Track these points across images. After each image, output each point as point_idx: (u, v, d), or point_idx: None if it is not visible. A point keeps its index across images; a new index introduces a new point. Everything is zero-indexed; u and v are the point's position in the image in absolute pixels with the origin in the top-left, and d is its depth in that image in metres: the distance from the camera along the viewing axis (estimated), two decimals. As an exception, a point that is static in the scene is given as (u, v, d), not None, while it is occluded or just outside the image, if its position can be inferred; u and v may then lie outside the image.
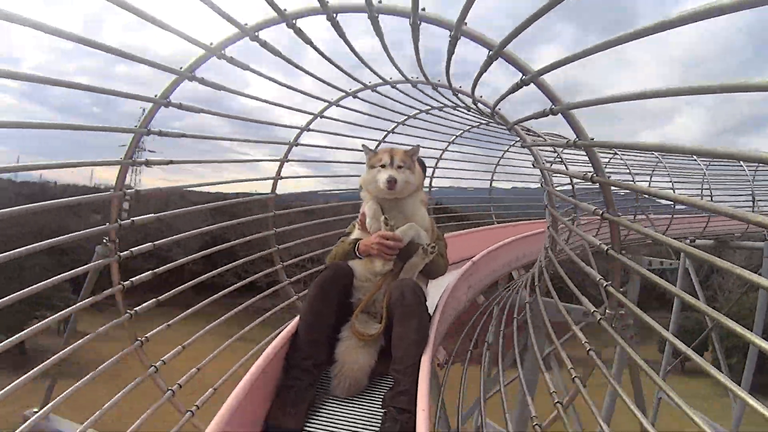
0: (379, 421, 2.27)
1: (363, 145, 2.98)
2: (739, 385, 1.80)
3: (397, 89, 5.24)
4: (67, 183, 37.63)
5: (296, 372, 2.41)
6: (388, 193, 2.77)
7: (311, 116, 5.20)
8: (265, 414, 2.25)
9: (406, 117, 6.54)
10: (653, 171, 10.80)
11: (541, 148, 5.44)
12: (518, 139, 7.59)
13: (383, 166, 2.80)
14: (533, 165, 4.80)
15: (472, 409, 6.39)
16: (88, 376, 3.28)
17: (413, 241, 2.78)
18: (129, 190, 3.47)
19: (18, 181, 34.24)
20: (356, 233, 2.96)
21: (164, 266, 3.97)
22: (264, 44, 3.16)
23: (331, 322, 2.60)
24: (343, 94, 5.01)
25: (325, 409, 2.39)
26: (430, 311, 2.76)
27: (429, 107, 6.30)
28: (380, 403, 2.37)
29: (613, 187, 2.92)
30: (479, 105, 4.51)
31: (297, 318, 2.62)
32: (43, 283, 2.93)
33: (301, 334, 2.51)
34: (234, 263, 5.01)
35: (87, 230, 3.29)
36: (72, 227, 3.40)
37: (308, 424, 2.26)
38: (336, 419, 2.32)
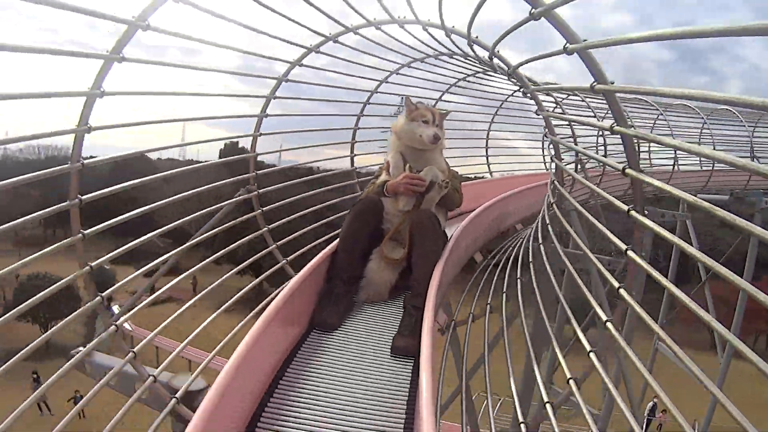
0: (400, 318, 2.93)
1: (405, 97, 3.51)
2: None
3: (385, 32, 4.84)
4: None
5: (336, 282, 3.07)
6: (428, 146, 3.33)
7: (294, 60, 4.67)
8: (310, 314, 2.87)
9: (400, 66, 6.02)
10: (701, 133, 10.42)
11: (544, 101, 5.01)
12: (519, 87, 7.06)
13: (426, 122, 3.31)
14: (536, 113, 4.37)
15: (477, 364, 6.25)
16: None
17: (432, 180, 3.31)
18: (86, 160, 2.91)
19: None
20: (383, 176, 3.50)
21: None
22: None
23: (365, 244, 3.22)
24: (343, 29, 4.62)
25: (359, 312, 3.08)
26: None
27: (424, 55, 5.81)
28: (402, 307, 3.03)
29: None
30: (475, 48, 4.12)
31: (333, 243, 3.27)
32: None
33: (340, 253, 3.17)
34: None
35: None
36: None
37: (345, 323, 2.91)
38: (367, 319, 3.01)
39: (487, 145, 9.96)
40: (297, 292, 2.69)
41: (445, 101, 8.04)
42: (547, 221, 4.41)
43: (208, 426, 1.59)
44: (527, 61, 3.39)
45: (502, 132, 10.33)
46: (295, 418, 2.05)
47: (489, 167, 9.94)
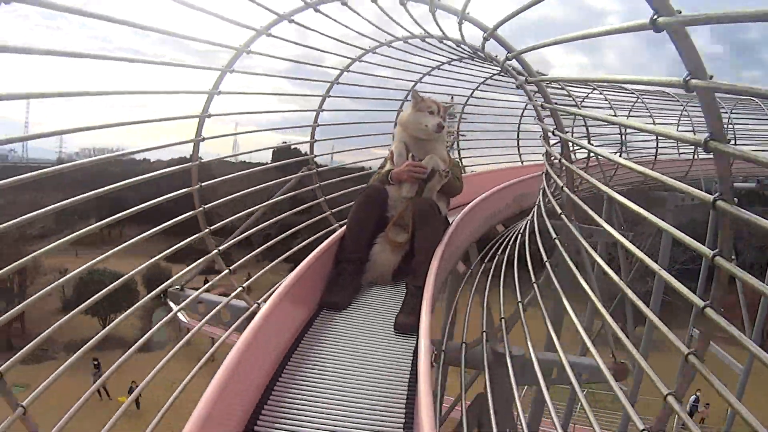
0: (403, 296, 3.10)
1: (414, 90, 3.73)
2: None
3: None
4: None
5: (345, 264, 3.27)
6: (432, 135, 3.55)
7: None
8: (320, 296, 3.04)
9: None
10: (632, 108, 10.43)
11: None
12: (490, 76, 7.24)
13: (431, 113, 3.54)
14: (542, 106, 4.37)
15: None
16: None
17: (433, 169, 3.53)
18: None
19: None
20: (388, 166, 3.72)
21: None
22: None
23: (371, 230, 3.42)
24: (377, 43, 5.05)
25: (365, 293, 3.27)
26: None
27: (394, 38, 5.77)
28: (405, 288, 3.18)
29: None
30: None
31: (341, 229, 3.52)
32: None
33: (347, 238, 3.38)
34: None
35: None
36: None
37: (353, 303, 3.08)
38: (373, 299, 3.19)
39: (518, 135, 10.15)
40: (306, 274, 2.85)
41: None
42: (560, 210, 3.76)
43: (222, 397, 1.67)
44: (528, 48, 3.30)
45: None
46: (305, 391, 2.16)
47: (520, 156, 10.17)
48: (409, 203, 3.47)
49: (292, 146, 15.52)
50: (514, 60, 3.30)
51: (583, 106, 9.12)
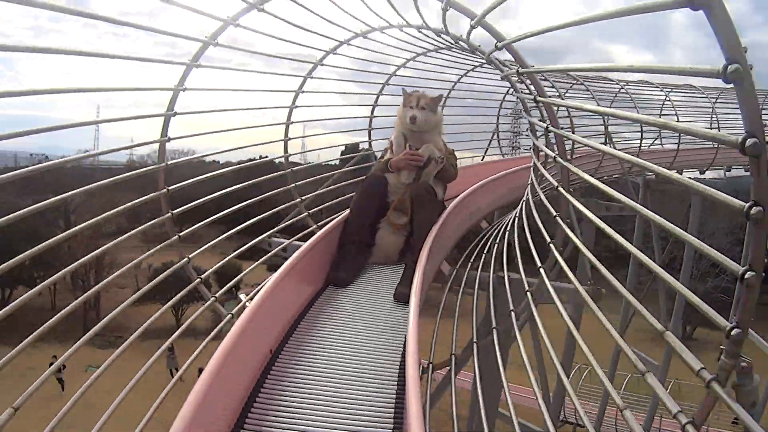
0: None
1: (402, 89, 4.08)
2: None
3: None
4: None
5: (348, 247, 3.59)
6: (411, 126, 3.86)
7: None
8: (325, 275, 3.34)
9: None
10: (614, 99, 10.26)
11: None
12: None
13: (411, 107, 3.85)
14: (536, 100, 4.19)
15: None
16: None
17: (429, 156, 3.87)
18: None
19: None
20: (388, 155, 4.04)
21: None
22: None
23: (373, 214, 3.74)
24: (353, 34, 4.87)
25: (369, 271, 3.56)
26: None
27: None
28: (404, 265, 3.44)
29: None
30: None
31: (344, 214, 3.87)
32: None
33: (351, 222, 3.73)
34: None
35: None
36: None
37: (356, 281, 3.39)
38: (375, 277, 3.49)
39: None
40: (311, 252, 3.19)
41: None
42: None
43: (227, 362, 1.86)
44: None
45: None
46: (309, 355, 2.41)
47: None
48: (408, 189, 3.81)
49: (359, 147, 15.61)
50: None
51: (566, 97, 8.94)
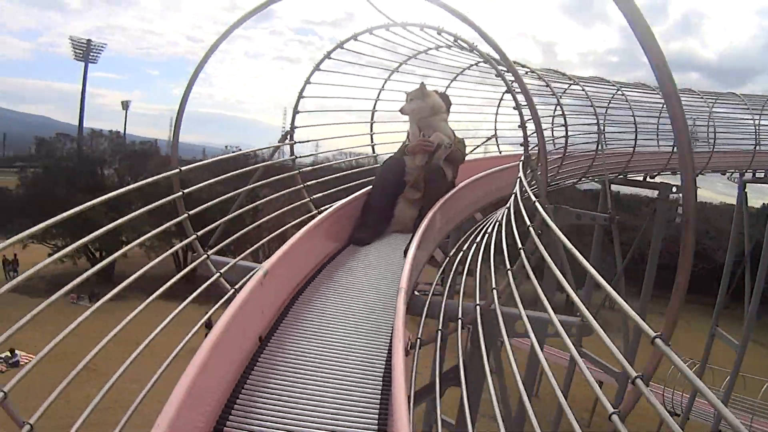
0: None
1: (406, 93, 4.91)
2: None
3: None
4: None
5: (371, 214, 4.46)
6: (406, 114, 4.85)
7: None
8: (350, 234, 4.21)
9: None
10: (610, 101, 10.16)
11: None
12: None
13: (406, 101, 4.82)
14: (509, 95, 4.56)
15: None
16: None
17: (438, 143, 4.71)
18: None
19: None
20: (407, 142, 4.97)
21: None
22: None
23: (391, 189, 4.67)
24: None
25: (386, 237, 4.43)
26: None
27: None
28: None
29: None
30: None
31: (368, 188, 4.73)
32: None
33: (373, 193, 4.64)
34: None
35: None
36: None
37: (374, 243, 4.21)
38: (391, 241, 4.31)
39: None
40: (336, 215, 3.97)
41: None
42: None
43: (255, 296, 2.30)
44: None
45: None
46: (329, 293, 3.05)
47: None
48: (421, 169, 4.67)
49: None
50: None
51: (563, 97, 9.10)
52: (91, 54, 61.33)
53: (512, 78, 4.46)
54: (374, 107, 6.40)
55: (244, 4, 4.94)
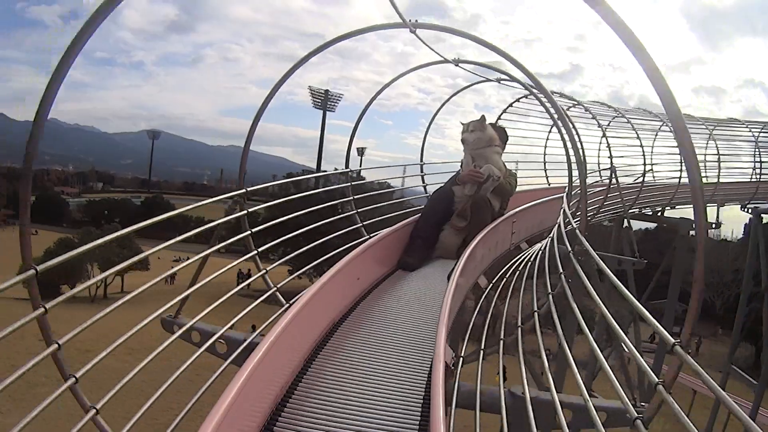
0: None
1: (462, 123, 5.11)
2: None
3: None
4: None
5: (418, 240, 4.57)
6: (465, 145, 5.01)
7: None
8: (398, 258, 4.39)
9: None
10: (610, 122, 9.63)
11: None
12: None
13: (464, 132, 5.00)
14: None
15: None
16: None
17: (488, 174, 4.84)
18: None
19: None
20: (460, 172, 5.12)
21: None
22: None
23: (438, 217, 4.83)
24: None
25: (432, 262, 4.60)
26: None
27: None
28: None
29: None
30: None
31: (416, 216, 4.90)
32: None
33: (421, 222, 4.77)
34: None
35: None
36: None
37: (421, 268, 4.40)
38: (437, 266, 4.47)
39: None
40: (385, 241, 4.19)
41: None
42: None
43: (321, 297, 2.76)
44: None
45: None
46: (380, 309, 3.35)
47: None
48: (469, 199, 4.82)
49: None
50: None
51: (609, 129, 9.01)
52: (329, 103, 66.38)
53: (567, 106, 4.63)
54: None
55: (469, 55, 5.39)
